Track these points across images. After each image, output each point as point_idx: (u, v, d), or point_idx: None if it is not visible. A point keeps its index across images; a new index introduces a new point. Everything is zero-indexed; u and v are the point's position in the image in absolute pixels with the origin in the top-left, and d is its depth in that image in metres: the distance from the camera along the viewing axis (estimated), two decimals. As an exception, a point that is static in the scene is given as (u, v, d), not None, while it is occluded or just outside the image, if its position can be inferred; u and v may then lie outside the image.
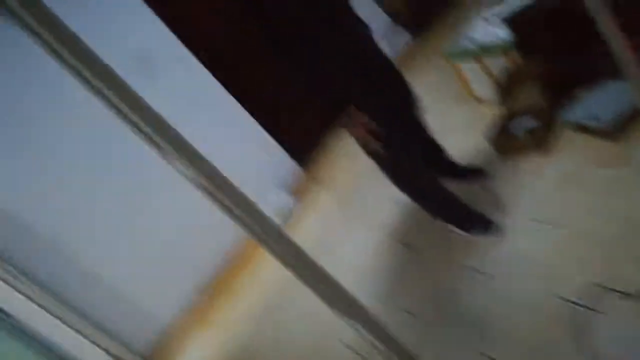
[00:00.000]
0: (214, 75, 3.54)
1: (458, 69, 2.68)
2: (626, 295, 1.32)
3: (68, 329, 2.92)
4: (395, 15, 4.05)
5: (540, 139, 2.05)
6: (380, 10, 4.07)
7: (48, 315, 2.87)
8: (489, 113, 2.46)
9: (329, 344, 2.12)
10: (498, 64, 2.44)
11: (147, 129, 1.16)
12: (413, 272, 2.15)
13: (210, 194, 1.19)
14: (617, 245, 1.46)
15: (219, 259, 3.57)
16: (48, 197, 3.04)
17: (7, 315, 2.73)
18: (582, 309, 1.39)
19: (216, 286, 3.47)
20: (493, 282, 1.73)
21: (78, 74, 0.93)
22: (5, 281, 2.76)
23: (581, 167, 1.82)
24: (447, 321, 1.78)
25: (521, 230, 1.80)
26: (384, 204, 2.63)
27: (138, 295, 3.29)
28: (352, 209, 3.03)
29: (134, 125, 1.30)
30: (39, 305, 2.84)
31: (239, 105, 3.65)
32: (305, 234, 3.21)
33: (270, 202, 3.61)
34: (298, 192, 3.81)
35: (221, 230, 3.22)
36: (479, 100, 2.65)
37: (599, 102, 1.89)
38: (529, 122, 2.14)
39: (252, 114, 3.70)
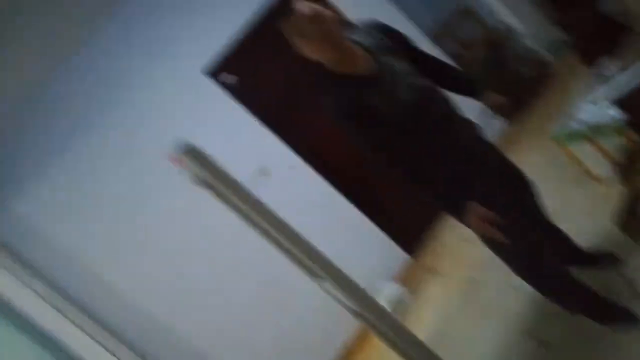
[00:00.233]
0: (326, 178, 3.91)
1: (568, 151, 2.66)
2: None
3: None
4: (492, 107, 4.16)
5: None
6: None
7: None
8: (610, 193, 2.36)
9: None
10: (612, 144, 2.39)
11: (274, 233, 1.35)
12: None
13: (328, 292, 1.29)
14: None
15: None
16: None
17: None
18: None
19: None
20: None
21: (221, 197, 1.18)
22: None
23: None
24: None
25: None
26: (508, 293, 2.52)
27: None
28: (472, 299, 2.94)
29: (263, 231, 1.51)
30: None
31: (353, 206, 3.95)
32: (424, 326, 3.14)
33: (384, 294, 3.63)
34: (410, 282, 3.79)
35: (333, 326, 3.36)
36: (598, 180, 2.57)
37: None
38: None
39: (365, 212, 3.96)
